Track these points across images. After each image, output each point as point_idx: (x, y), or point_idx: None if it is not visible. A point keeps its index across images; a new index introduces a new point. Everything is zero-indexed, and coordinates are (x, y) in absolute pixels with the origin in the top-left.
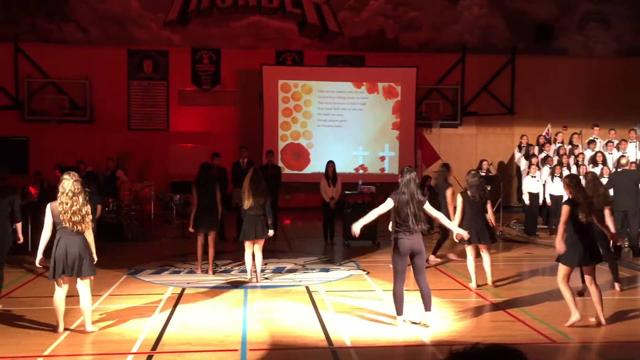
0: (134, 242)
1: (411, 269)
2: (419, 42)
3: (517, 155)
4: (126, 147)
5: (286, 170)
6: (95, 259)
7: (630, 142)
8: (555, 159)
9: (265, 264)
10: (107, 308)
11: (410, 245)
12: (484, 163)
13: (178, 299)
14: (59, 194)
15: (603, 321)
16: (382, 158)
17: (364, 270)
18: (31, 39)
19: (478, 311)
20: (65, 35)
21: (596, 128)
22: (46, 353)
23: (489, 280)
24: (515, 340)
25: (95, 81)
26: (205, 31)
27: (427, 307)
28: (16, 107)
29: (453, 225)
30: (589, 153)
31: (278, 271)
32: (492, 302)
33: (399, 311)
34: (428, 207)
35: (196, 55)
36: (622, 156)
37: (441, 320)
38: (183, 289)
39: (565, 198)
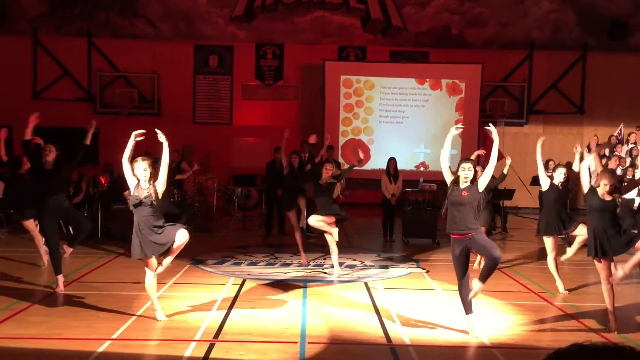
0: (197, 232)
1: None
2: (484, 38)
3: (587, 156)
4: (191, 140)
5: (346, 166)
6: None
7: None
8: (628, 160)
9: (324, 259)
10: (171, 295)
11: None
12: (550, 163)
13: (239, 290)
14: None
15: None
16: None
17: (423, 269)
18: (104, 34)
19: (542, 315)
20: (135, 30)
21: None
22: (114, 336)
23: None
24: None
25: (163, 75)
26: (269, 26)
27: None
28: (89, 99)
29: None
30: None
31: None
32: (557, 306)
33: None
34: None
35: (260, 50)
36: None
37: (503, 323)
38: (244, 280)
39: (637, 201)
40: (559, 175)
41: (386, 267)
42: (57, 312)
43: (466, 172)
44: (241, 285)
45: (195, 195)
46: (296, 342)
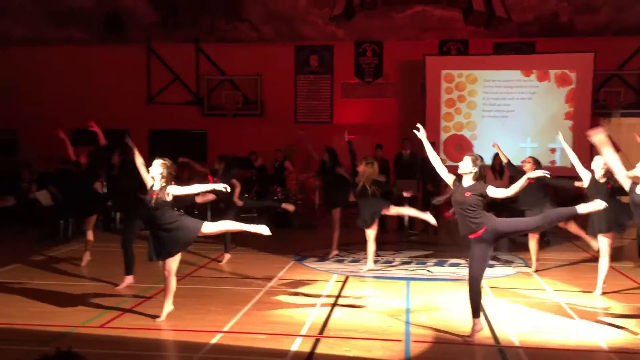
0: (300, 229)
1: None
2: (596, 25)
3: None
4: (293, 139)
5: (448, 162)
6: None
7: None
8: None
9: (427, 257)
10: (276, 290)
11: None
12: None
13: (342, 287)
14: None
15: None
16: (553, 150)
17: (532, 268)
18: (210, 39)
19: None
20: (239, 34)
21: None
22: (225, 329)
23: None
24: None
25: (265, 77)
26: (368, 24)
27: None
28: (197, 102)
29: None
30: None
31: (440, 265)
32: None
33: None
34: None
35: (359, 48)
36: None
37: (635, 327)
38: (347, 277)
39: None
40: None
41: (491, 266)
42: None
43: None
44: (344, 282)
45: (297, 193)
46: (401, 340)
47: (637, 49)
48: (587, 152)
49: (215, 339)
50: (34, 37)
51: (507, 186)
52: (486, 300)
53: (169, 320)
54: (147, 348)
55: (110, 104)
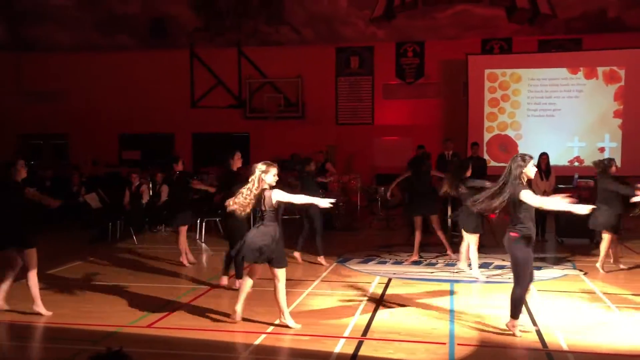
0: (342, 231)
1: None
2: None
3: None
4: (334, 141)
5: (492, 163)
6: None
7: None
8: None
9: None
10: (319, 292)
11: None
12: None
13: (385, 289)
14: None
15: None
16: (602, 149)
17: (580, 270)
18: (252, 43)
19: None
20: (280, 37)
21: None
22: (269, 330)
23: None
24: None
25: (306, 79)
26: (409, 24)
27: (511, 314)
28: (239, 105)
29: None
30: None
31: (484, 267)
32: None
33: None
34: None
35: (400, 49)
36: None
37: None
38: (389, 279)
39: None
40: None
41: (539, 268)
42: (217, 306)
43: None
44: (387, 284)
45: (339, 195)
46: (445, 343)
47: None
48: (638, 152)
49: (259, 340)
50: (82, 43)
51: (553, 188)
52: (532, 303)
53: (213, 321)
54: (192, 348)
55: (155, 108)
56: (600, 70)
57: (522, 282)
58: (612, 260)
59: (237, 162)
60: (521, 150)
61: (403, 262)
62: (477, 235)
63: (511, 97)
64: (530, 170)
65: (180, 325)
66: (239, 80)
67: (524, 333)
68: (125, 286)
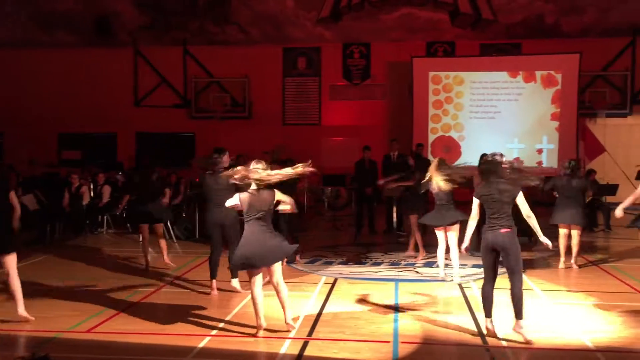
0: (288, 232)
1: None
2: (582, 26)
3: None
4: (281, 142)
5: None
6: None
7: None
8: None
9: (416, 257)
10: (265, 294)
11: (493, 239)
12: None
13: (331, 289)
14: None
15: None
16: (540, 151)
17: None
18: (198, 42)
19: None
20: (227, 36)
21: None
22: (214, 332)
23: None
24: None
25: (253, 79)
26: (356, 26)
27: (517, 314)
28: (185, 105)
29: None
30: None
31: (429, 265)
32: None
33: (487, 313)
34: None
35: (347, 50)
36: None
37: (608, 325)
38: (335, 279)
39: None
40: None
41: (480, 266)
42: (160, 309)
43: None
44: (333, 285)
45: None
46: (389, 342)
47: (622, 50)
48: (573, 154)
49: (203, 343)
50: (22, 40)
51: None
52: (473, 300)
53: (156, 324)
54: (132, 353)
55: (98, 107)
56: (538, 74)
57: (521, 277)
58: (564, 259)
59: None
60: (463, 151)
61: (415, 264)
62: (416, 216)
63: (454, 99)
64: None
65: (121, 330)
66: (184, 80)
67: (467, 328)
68: (65, 290)
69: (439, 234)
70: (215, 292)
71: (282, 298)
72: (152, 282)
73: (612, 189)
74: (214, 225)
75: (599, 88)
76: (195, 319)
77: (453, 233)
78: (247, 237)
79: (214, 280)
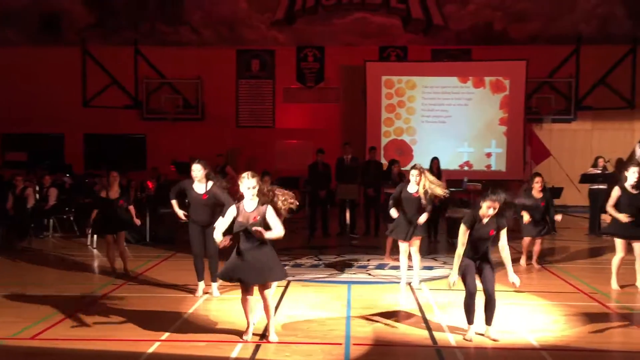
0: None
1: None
2: (529, 33)
3: (638, 151)
4: (235, 144)
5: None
6: None
7: None
8: None
9: (368, 260)
10: (217, 297)
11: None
12: (600, 160)
13: (284, 292)
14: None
15: None
16: (489, 155)
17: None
18: (149, 42)
19: (593, 316)
20: (180, 37)
21: None
22: (164, 337)
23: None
24: (633, 348)
25: (206, 81)
26: (310, 29)
27: (488, 320)
28: (136, 106)
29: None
30: None
31: (380, 268)
32: (609, 307)
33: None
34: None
35: (301, 53)
36: None
37: (553, 324)
38: (288, 282)
39: None
40: (632, 176)
41: (431, 267)
42: (108, 314)
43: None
44: (286, 287)
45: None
46: (341, 344)
47: (567, 58)
48: (521, 158)
49: (152, 348)
50: None
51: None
52: (423, 302)
53: (104, 330)
54: (80, 359)
55: (45, 107)
56: (487, 80)
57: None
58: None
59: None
60: (415, 155)
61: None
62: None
63: (407, 103)
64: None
65: (67, 336)
66: (135, 80)
67: (417, 329)
68: (9, 295)
69: (402, 245)
70: (198, 294)
71: (265, 308)
72: (101, 287)
73: (557, 192)
74: (197, 232)
75: (545, 94)
76: (145, 324)
77: (417, 243)
78: (238, 249)
79: (201, 282)
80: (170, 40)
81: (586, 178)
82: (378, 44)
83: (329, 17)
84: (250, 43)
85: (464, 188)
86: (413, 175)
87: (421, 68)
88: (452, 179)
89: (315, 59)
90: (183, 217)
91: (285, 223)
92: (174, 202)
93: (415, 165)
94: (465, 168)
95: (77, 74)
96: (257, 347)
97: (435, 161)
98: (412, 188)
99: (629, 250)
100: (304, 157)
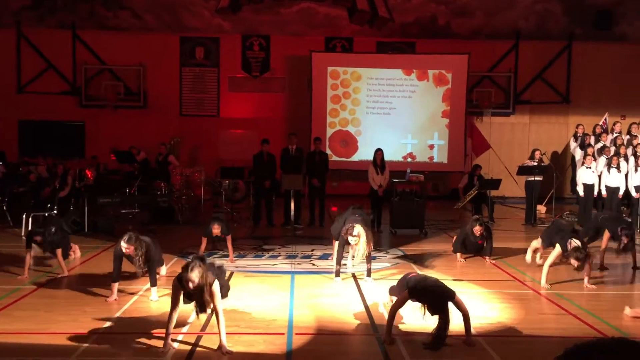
0: (185, 225)
1: None
2: (471, 28)
3: (573, 145)
4: (178, 133)
5: (334, 158)
6: None
7: None
8: (613, 149)
9: (312, 250)
10: (158, 288)
11: None
12: (537, 153)
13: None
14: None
15: None
16: (431, 146)
17: (410, 259)
18: (88, 26)
19: (527, 303)
20: (120, 22)
21: None
22: (101, 330)
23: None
24: (566, 333)
25: (149, 68)
26: (255, 18)
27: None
28: (74, 92)
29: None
30: None
31: (325, 258)
32: (542, 294)
33: None
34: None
35: (246, 42)
36: None
37: (489, 311)
38: (232, 273)
39: (622, 190)
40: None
41: (374, 257)
42: (43, 307)
43: None
44: (229, 278)
45: (182, 188)
46: (283, 334)
47: (506, 53)
48: (462, 150)
49: (89, 342)
50: None
51: (388, 182)
52: (366, 291)
53: (39, 323)
54: (13, 354)
55: None
56: (430, 72)
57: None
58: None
59: None
60: (360, 146)
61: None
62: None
63: (352, 94)
64: None
65: (2, 330)
66: (73, 65)
67: (359, 319)
68: None
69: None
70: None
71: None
72: (34, 279)
73: (495, 183)
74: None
75: (486, 88)
76: (82, 317)
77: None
78: None
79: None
80: (109, 24)
81: (523, 170)
82: (324, 35)
83: (274, 6)
84: (194, 30)
85: (406, 179)
86: (353, 236)
87: (366, 60)
88: (395, 170)
89: (261, 48)
90: None
91: (228, 212)
92: None
93: (356, 228)
94: (409, 159)
95: (11, 57)
96: (199, 338)
97: (379, 152)
98: (351, 239)
99: None
100: (248, 147)
